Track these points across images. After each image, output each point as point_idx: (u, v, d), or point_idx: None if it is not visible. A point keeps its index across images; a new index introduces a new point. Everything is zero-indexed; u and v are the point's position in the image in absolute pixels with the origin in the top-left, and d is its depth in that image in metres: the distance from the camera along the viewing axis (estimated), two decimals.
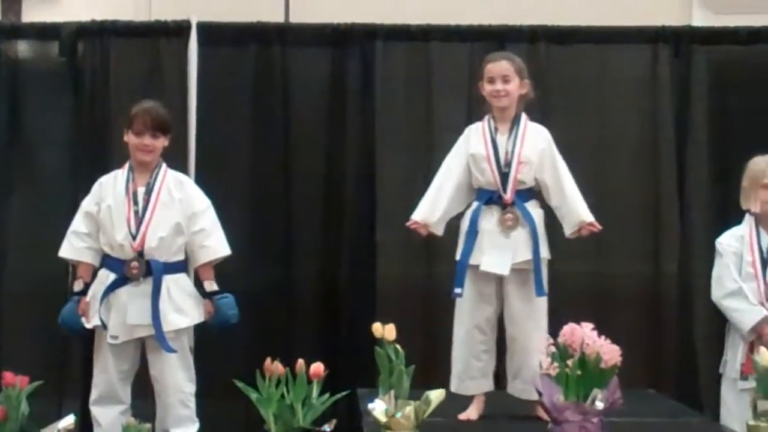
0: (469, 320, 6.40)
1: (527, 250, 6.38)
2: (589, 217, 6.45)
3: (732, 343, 6.68)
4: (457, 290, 6.34)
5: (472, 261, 6.34)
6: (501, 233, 6.34)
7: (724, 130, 8.32)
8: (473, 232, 6.36)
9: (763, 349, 5.83)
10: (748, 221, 6.72)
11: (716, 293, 6.71)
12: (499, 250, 6.35)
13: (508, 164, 6.35)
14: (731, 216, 6.87)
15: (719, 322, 6.87)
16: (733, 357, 6.62)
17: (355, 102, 8.40)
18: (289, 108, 8.43)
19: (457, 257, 6.41)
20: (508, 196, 6.35)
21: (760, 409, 5.58)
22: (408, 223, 6.40)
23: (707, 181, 7.97)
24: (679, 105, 8.47)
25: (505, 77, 6.42)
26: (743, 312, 6.54)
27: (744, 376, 6.38)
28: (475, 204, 6.40)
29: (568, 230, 6.49)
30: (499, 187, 6.35)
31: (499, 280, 6.37)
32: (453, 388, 6.34)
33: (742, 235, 6.70)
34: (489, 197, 6.36)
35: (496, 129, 6.45)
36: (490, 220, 6.33)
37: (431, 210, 6.36)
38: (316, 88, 8.48)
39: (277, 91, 8.42)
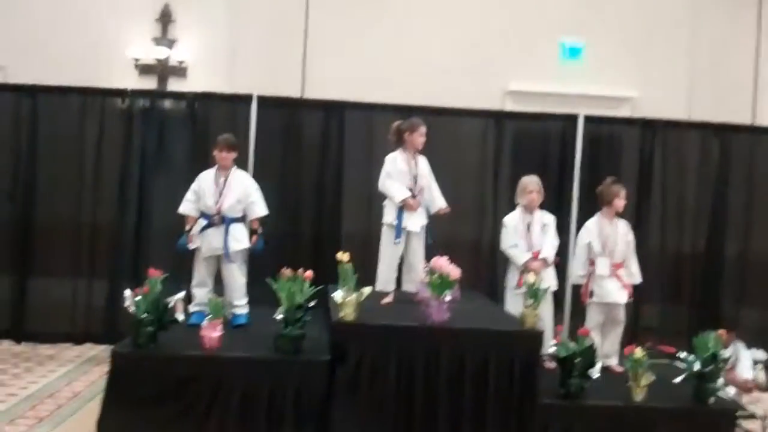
0: (394, 253, 6.28)
1: (424, 219, 6.38)
2: (443, 204, 6.50)
3: (511, 270, 6.56)
4: (398, 239, 6.22)
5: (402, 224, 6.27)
6: (414, 210, 6.28)
7: (516, 157, 8.28)
8: (401, 210, 6.23)
9: (531, 273, 5.92)
10: (519, 209, 6.62)
11: (503, 245, 6.61)
12: (414, 219, 6.29)
13: (417, 179, 6.33)
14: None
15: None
16: (513, 277, 6.50)
17: (332, 145, 8.20)
18: (300, 142, 8.24)
19: (391, 222, 6.25)
20: (417, 192, 6.32)
21: (525, 305, 5.62)
22: (402, 199, 6.18)
23: (510, 183, 7.68)
24: (497, 147, 8.35)
25: (427, 134, 6.36)
26: (518, 256, 6.44)
27: (517, 287, 6.29)
28: None
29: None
30: (413, 189, 6.29)
31: (408, 232, 6.29)
32: (380, 287, 6.24)
33: (516, 216, 6.60)
34: (410, 191, 6.26)
35: (413, 157, 6.37)
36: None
37: (406, 193, 6.22)
38: (315, 133, 8.25)
39: (296, 133, 8.25)
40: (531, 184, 6.59)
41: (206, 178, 6.50)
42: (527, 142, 8.50)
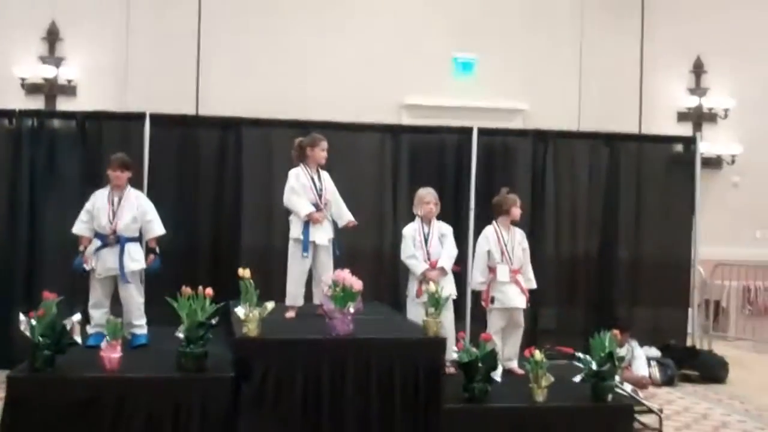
0: (301, 267, 6.25)
1: (330, 232, 6.38)
2: (350, 218, 6.46)
3: (411, 280, 6.58)
4: (305, 253, 6.19)
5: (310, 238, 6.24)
6: (320, 224, 6.27)
7: (413, 170, 8.42)
8: (307, 224, 6.21)
9: (431, 283, 5.96)
10: (417, 220, 6.67)
11: (402, 255, 6.63)
12: (321, 232, 6.27)
13: (321, 192, 6.33)
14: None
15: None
16: (412, 287, 6.53)
17: (230, 162, 8.20)
18: (197, 160, 8.20)
19: (298, 236, 6.22)
20: (322, 206, 6.29)
21: (428, 313, 5.67)
22: (307, 213, 6.16)
23: (408, 195, 7.69)
24: (394, 160, 8.51)
25: (327, 149, 6.40)
26: (416, 266, 6.48)
27: (417, 297, 6.34)
28: None
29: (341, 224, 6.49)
30: (318, 203, 6.28)
31: (315, 246, 6.26)
32: (289, 302, 6.24)
33: (414, 227, 6.64)
34: (315, 205, 6.24)
35: (316, 172, 6.37)
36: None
37: (311, 207, 6.21)
38: (212, 151, 8.23)
39: (192, 150, 8.19)
40: (427, 195, 6.67)
41: (100, 197, 6.34)
42: (424, 154, 8.63)
